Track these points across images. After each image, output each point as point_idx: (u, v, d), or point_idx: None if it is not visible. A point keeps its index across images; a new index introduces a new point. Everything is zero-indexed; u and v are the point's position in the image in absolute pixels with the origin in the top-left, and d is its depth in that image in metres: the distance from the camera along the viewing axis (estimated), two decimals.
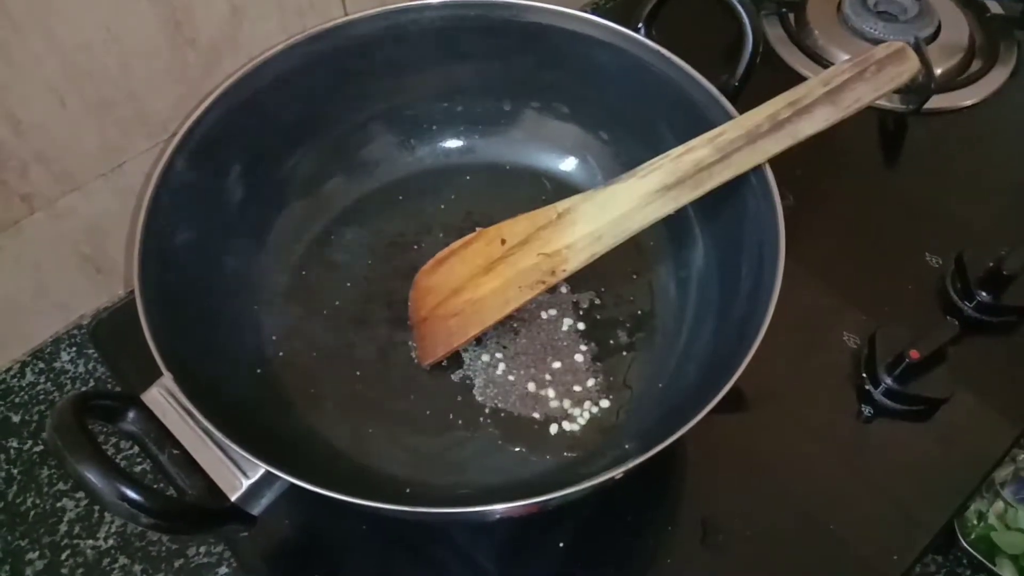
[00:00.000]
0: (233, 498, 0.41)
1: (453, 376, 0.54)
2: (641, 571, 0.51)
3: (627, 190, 0.48)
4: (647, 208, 0.48)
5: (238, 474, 0.41)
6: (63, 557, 0.53)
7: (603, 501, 0.51)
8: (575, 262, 0.49)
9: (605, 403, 0.52)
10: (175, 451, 0.41)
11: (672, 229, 0.55)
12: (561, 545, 0.50)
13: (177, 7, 0.51)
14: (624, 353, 0.54)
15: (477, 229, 0.54)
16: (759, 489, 0.53)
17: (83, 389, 0.60)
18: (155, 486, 0.50)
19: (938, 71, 0.70)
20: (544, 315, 0.56)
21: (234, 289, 0.53)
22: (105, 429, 0.55)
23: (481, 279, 0.51)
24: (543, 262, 0.50)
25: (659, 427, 0.47)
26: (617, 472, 0.39)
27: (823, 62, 0.73)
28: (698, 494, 0.52)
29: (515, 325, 0.55)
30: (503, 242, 0.51)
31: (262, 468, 0.40)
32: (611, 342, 0.55)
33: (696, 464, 0.53)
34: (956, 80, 0.72)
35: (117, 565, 0.53)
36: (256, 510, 0.42)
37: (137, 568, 0.53)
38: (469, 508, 0.41)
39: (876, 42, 0.64)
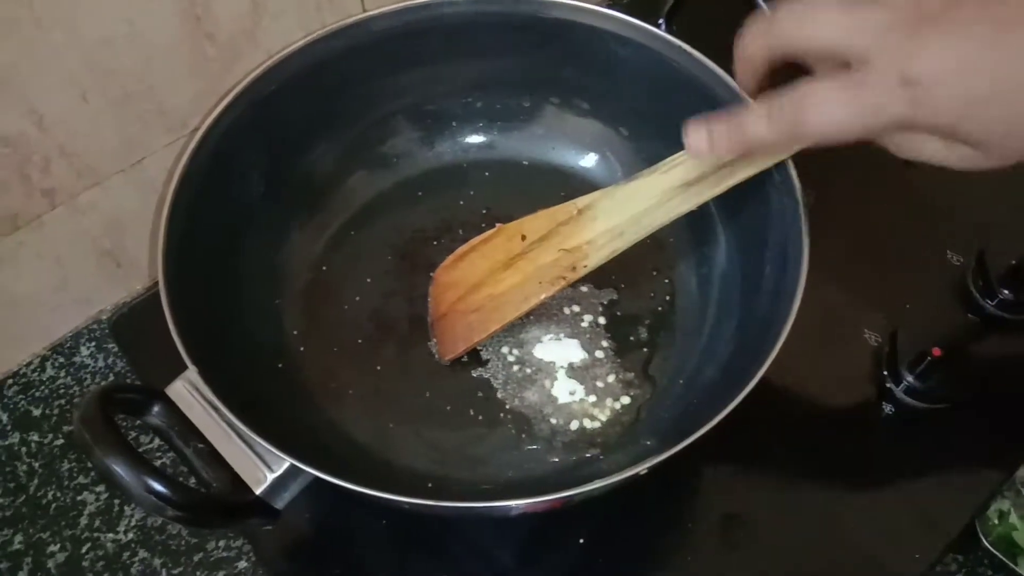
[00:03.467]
0: (258, 491, 0.41)
1: (473, 372, 0.54)
2: (660, 567, 0.51)
3: (648, 186, 0.48)
4: (668, 204, 0.47)
5: (263, 468, 0.41)
6: (84, 550, 0.54)
7: (622, 497, 0.51)
8: (595, 258, 0.49)
9: (626, 399, 0.52)
10: (200, 445, 0.41)
11: (694, 226, 0.55)
12: (580, 541, 0.50)
13: (197, 2, 0.51)
14: (644, 349, 0.54)
15: (497, 225, 0.54)
16: (779, 486, 0.52)
17: (107, 383, 0.60)
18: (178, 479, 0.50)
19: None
20: (566, 311, 0.56)
21: (256, 283, 0.53)
22: (125, 422, 0.55)
23: (501, 275, 0.51)
24: (563, 258, 0.50)
25: (680, 424, 0.47)
26: (642, 468, 0.39)
27: None
28: (717, 491, 0.52)
29: (536, 320, 0.55)
30: (523, 238, 0.51)
31: (287, 462, 0.40)
32: (631, 338, 0.55)
33: (715, 460, 0.53)
34: None
35: (137, 558, 0.53)
36: (280, 504, 0.42)
37: (157, 562, 0.53)
38: (494, 503, 0.41)
39: None
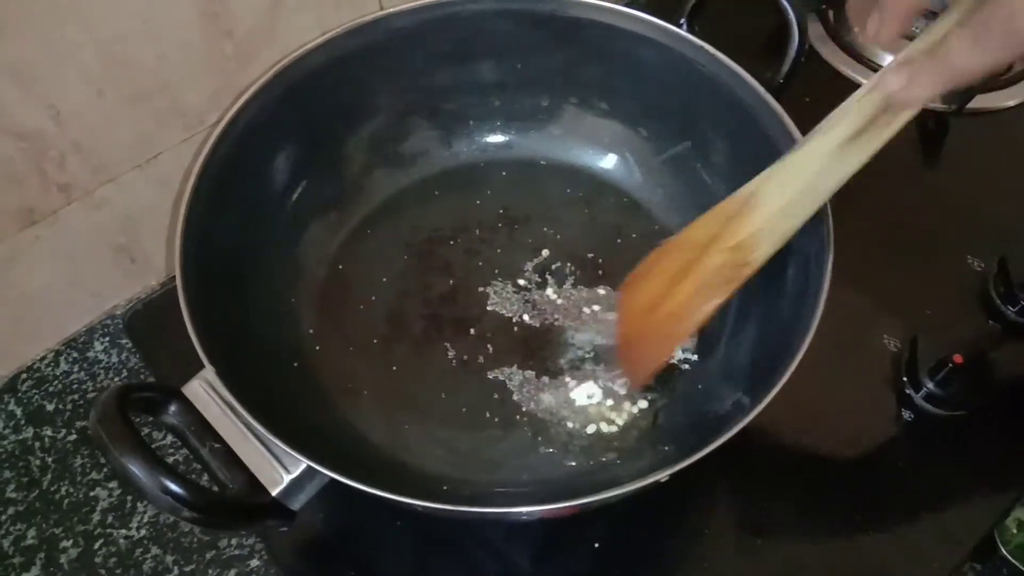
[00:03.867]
0: (274, 493, 0.40)
1: (489, 374, 0.53)
2: (675, 573, 0.50)
3: (812, 153, 0.43)
4: (837, 165, 0.42)
5: (279, 469, 0.41)
6: (96, 546, 0.54)
7: (638, 502, 0.50)
8: (766, 247, 0.45)
9: (643, 404, 0.52)
10: (216, 445, 0.41)
11: None
12: (596, 545, 0.50)
13: None
14: None
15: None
16: (796, 493, 0.52)
17: (125, 381, 0.60)
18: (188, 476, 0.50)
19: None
20: (586, 311, 0.55)
21: (272, 282, 0.53)
22: (138, 419, 0.55)
23: (676, 288, 0.48)
24: (733, 256, 0.46)
25: (698, 430, 0.47)
26: (663, 475, 0.38)
27: (864, 60, 0.72)
28: (734, 497, 0.52)
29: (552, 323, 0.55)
30: (694, 245, 0.48)
31: (303, 463, 0.40)
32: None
33: (733, 466, 0.52)
34: (999, 80, 0.70)
35: (149, 555, 0.53)
36: (296, 505, 0.42)
37: (169, 559, 0.53)
38: (513, 508, 0.41)
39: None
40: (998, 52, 0.34)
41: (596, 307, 0.55)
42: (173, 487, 0.36)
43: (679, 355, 0.53)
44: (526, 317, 0.56)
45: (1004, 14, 0.33)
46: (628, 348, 0.52)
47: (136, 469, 0.36)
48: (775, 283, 0.48)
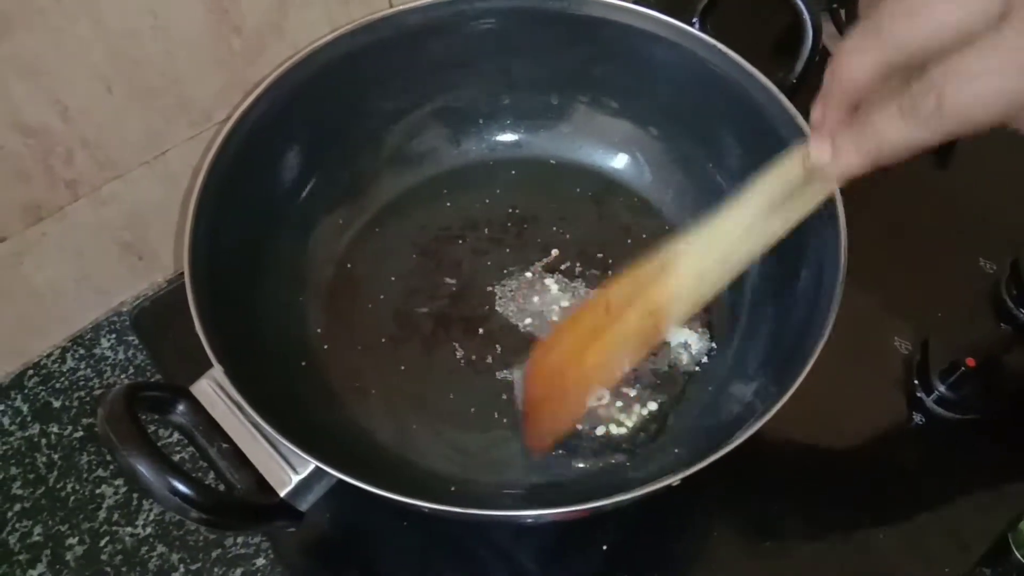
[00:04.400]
0: (282, 494, 0.40)
1: (498, 374, 0.53)
2: (684, 575, 0.50)
3: (733, 218, 0.41)
4: (757, 233, 0.41)
5: (287, 469, 0.40)
6: (102, 543, 0.53)
7: (647, 504, 0.50)
8: (680, 313, 0.44)
9: (653, 406, 0.51)
10: (224, 444, 0.41)
11: None
12: (604, 547, 0.49)
13: None
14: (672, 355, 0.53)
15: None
16: (805, 495, 0.52)
17: (132, 380, 0.60)
18: (194, 475, 0.50)
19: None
20: None
21: (280, 280, 0.53)
22: (144, 416, 0.55)
23: (588, 351, 0.47)
24: (648, 320, 0.45)
25: (709, 433, 0.47)
26: (674, 479, 0.38)
27: None
28: (743, 499, 0.52)
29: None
30: (607, 310, 0.47)
31: (312, 464, 0.40)
32: (662, 344, 0.54)
33: (741, 468, 0.51)
34: None
35: (155, 553, 0.53)
36: (304, 506, 0.42)
37: (175, 557, 0.53)
38: (522, 512, 0.40)
39: None
40: (923, 131, 0.32)
41: None
42: (181, 487, 0.36)
43: (692, 346, 0.53)
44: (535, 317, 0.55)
45: (933, 81, 0.31)
46: (536, 411, 0.50)
47: (144, 469, 0.36)
48: (788, 285, 0.48)
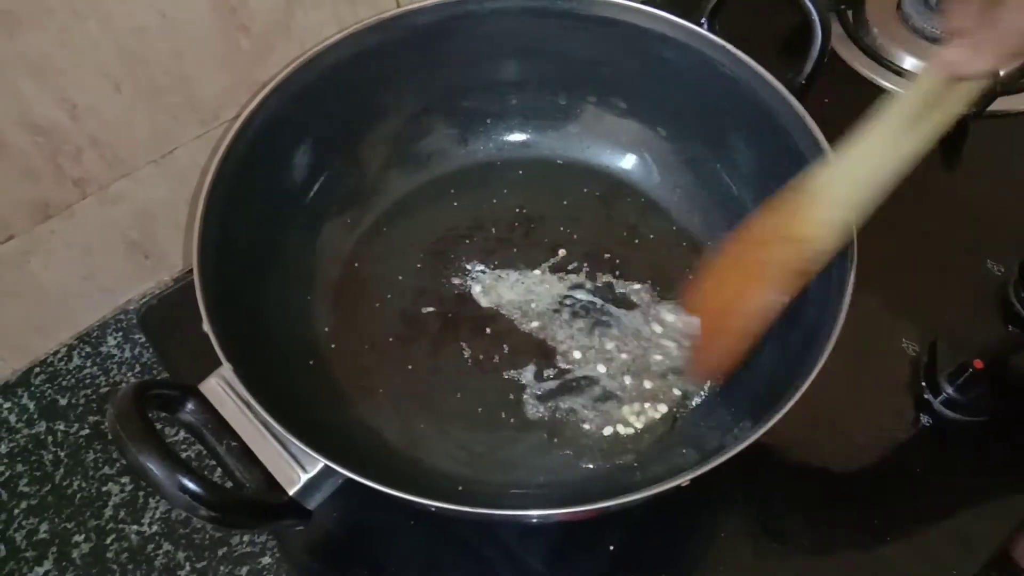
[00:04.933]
0: (291, 492, 0.40)
1: (505, 374, 0.53)
2: None
3: (873, 140, 0.42)
4: (902, 147, 0.41)
5: (296, 468, 0.40)
6: (108, 541, 0.53)
7: (655, 505, 0.50)
8: (833, 238, 0.44)
9: (662, 407, 0.51)
10: (233, 443, 0.41)
11: (733, 228, 0.54)
12: (611, 548, 0.49)
13: None
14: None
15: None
16: (813, 498, 0.52)
17: (140, 378, 0.60)
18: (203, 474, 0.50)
19: (1002, 72, 0.68)
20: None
21: (288, 279, 0.53)
22: (152, 415, 0.55)
23: (744, 286, 0.48)
24: (801, 249, 0.45)
25: (716, 433, 0.47)
26: (683, 480, 0.38)
27: (883, 61, 0.71)
28: (751, 501, 0.51)
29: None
30: (759, 241, 0.47)
31: (320, 462, 0.40)
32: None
33: (749, 470, 0.52)
34: (1021, 82, 0.69)
35: (161, 551, 0.53)
36: (312, 504, 0.42)
37: (181, 555, 0.53)
38: (529, 511, 0.40)
39: (937, 41, 0.62)
40: None
41: (612, 307, 0.55)
42: (191, 485, 0.36)
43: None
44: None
45: None
46: (705, 346, 0.51)
47: (154, 467, 0.36)
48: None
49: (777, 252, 0.45)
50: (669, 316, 0.55)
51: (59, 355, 0.60)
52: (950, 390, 0.53)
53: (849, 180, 0.43)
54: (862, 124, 0.42)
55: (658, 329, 0.54)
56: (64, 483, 0.56)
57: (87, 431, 0.57)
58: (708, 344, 0.50)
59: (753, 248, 0.47)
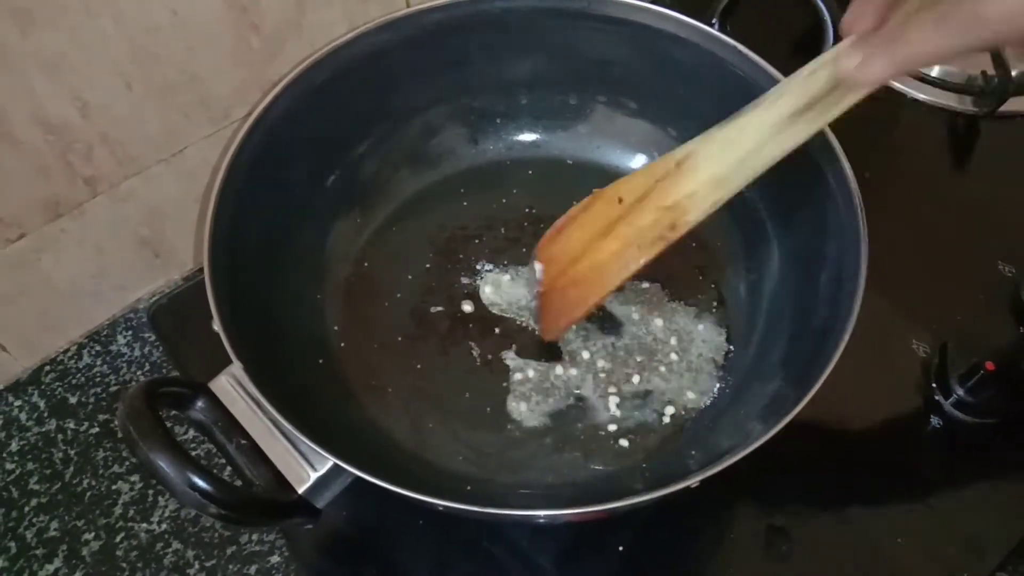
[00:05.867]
0: (300, 491, 0.40)
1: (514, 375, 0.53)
2: None
3: (753, 123, 0.42)
4: (777, 139, 0.41)
5: (306, 466, 0.40)
6: (118, 539, 0.54)
7: (663, 506, 0.50)
8: (697, 212, 0.44)
9: (671, 409, 0.51)
10: (243, 441, 0.41)
11: (743, 229, 0.54)
12: (620, 549, 0.49)
13: None
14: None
15: (593, 191, 0.51)
16: (823, 500, 0.51)
17: (150, 376, 0.60)
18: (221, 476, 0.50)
19: (1015, 72, 0.67)
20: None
21: (298, 278, 0.53)
22: (161, 413, 0.55)
23: (600, 243, 0.48)
24: (663, 216, 0.45)
25: (725, 435, 0.47)
26: (694, 480, 0.38)
27: None
28: (760, 503, 0.51)
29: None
30: (620, 201, 0.47)
31: (330, 461, 0.40)
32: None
33: (759, 471, 0.51)
34: None
35: (170, 549, 0.53)
36: (321, 503, 0.42)
37: (190, 554, 0.53)
38: (538, 512, 0.40)
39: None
40: (960, 39, 0.32)
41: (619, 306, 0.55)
42: (201, 483, 0.36)
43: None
44: None
45: (967, 6, 0.31)
46: (544, 299, 0.51)
47: (164, 464, 0.36)
48: (809, 287, 0.48)
49: (640, 215, 0.45)
50: (679, 317, 0.55)
51: (69, 353, 0.60)
52: (961, 392, 0.52)
53: (725, 159, 0.43)
54: (748, 104, 0.42)
55: (667, 330, 0.54)
56: (74, 481, 0.56)
57: (97, 429, 0.58)
58: (554, 295, 0.50)
59: (616, 207, 0.46)
